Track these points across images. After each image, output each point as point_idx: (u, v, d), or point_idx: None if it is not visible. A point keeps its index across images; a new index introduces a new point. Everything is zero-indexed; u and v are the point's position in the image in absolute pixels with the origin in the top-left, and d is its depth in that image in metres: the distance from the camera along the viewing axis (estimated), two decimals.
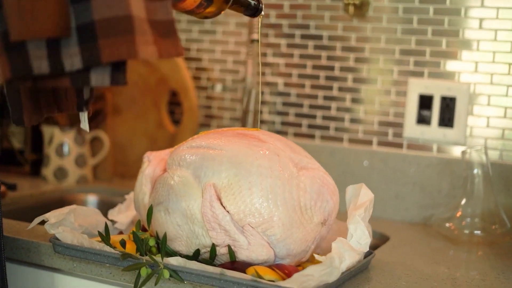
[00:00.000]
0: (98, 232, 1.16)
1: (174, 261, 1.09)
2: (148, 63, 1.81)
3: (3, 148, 1.96)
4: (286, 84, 1.74)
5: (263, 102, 1.76)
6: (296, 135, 1.73)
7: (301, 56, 1.72)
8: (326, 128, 1.70)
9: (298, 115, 1.73)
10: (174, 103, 1.87)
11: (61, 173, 1.82)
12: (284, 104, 1.75)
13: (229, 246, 1.10)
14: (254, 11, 1.17)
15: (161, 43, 0.96)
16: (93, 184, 1.85)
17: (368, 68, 1.66)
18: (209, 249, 1.12)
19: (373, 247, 1.49)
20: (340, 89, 1.69)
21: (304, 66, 1.72)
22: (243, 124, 1.60)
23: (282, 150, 1.17)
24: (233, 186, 1.11)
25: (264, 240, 1.10)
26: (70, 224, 1.24)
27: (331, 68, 1.69)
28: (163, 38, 0.97)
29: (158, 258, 1.10)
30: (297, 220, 1.12)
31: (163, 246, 1.11)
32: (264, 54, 1.76)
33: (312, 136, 1.72)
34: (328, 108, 1.70)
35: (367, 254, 1.24)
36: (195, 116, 1.79)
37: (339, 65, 1.68)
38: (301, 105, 1.73)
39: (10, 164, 1.93)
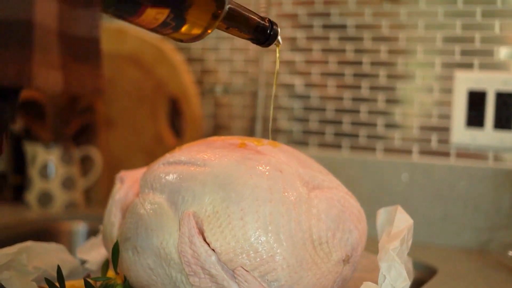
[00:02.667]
0: (45, 279, 0.88)
1: None
2: (141, 65, 1.53)
3: None
4: (306, 85, 1.45)
5: (279, 108, 1.47)
6: (320, 145, 1.43)
7: (323, 51, 1.43)
8: (356, 136, 1.41)
9: (321, 121, 1.44)
10: (177, 112, 1.59)
11: (46, 198, 1.55)
12: (305, 109, 1.45)
13: None
14: (263, 39, 0.84)
15: (73, 69, 0.65)
16: (84, 210, 1.57)
17: (404, 61, 1.36)
18: None
19: (417, 282, 1.19)
20: (371, 88, 1.39)
21: (326, 63, 1.43)
22: (251, 133, 1.31)
23: (286, 164, 0.87)
24: (220, 215, 0.82)
25: (263, 287, 0.81)
26: (21, 266, 0.96)
27: (359, 64, 1.40)
28: (78, 62, 0.66)
29: None
30: (308, 258, 0.82)
31: None
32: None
33: (339, 147, 1.42)
34: (357, 111, 1.40)
35: None
36: (199, 127, 1.51)
37: (368, 59, 1.39)
38: (324, 110, 1.43)
39: None
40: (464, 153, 1.32)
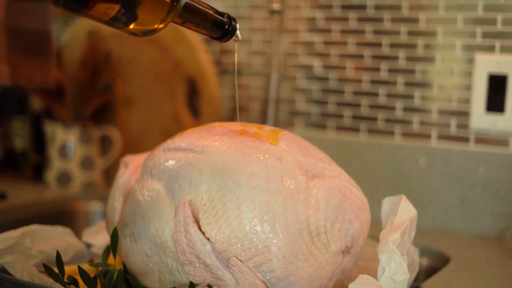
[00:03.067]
0: (43, 264, 0.88)
1: None
2: (159, 45, 1.52)
3: (7, 149, 1.71)
4: (324, 67, 1.42)
5: (297, 89, 1.45)
6: (338, 128, 1.41)
7: (342, 32, 1.40)
8: (374, 119, 1.38)
9: (339, 104, 1.41)
10: (195, 92, 1.57)
11: (64, 177, 1.56)
12: (323, 91, 1.43)
13: (209, 286, 0.80)
14: (221, 34, 0.83)
15: (21, 63, 0.64)
16: (102, 190, 1.58)
17: (424, 43, 1.32)
18: None
19: (428, 269, 1.18)
20: (390, 70, 1.36)
21: (345, 44, 1.40)
22: (263, 116, 1.29)
23: (286, 152, 0.86)
24: (215, 203, 0.81)
25: (257, 278, 0.80)
26: (25, 250, 0.96)
27: (378, 45, 1.36)
28: (27, 55, 0.65)
29: None
30: (305, 249, 0.81)
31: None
32: (297, 31, 1.44)
33: (356, 130, 1.39)
34: (376, 94, 1.38)
35: None
36: (216, 108, 1.49)
37: (388, 41, 1.36)
38: (342, 92, 1.41)
39: (14, 168, 1.69)
40: (484, 139, 1.29)
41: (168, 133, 1.53)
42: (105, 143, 1.61)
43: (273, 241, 0.79)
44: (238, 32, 0.84)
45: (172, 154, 0.88)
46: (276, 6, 1.25)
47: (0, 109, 1.70)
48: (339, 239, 0.84)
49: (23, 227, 0.98)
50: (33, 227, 1.00)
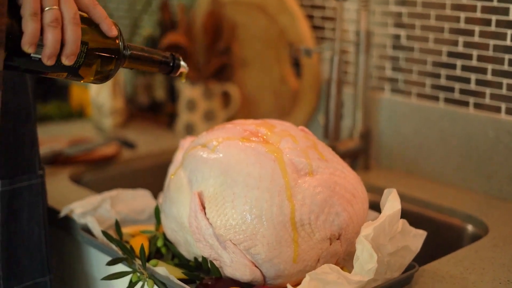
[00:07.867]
0: (102, 231, 1.12)
1: (160, 271, 1.01)
2: (267, 13, 1.68)
3: (151, 99, 1.99)
4: (408, 37, 1.51)
5: (386, 58, 1.55)
6: (420, 96, 1.51)
7: (424, 5, 1.47)
8: (451, 89, 1.46)
9: (421, 73, 1.50)
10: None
11: (190, 128, 1.80)
12: (408, 60, 1.52)
13: (211, 262, 1.01)
14: (168, 70, 1.02)
15: None
16: None
17: (497, 18, 1.36)
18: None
19: (471, 237, 1.28)
20: (466, 44, 1.42)
21: (427, 17, 1.47)
22: (327, 94, 1.42)
23: (284, 153, 1.01)
24: (217, 196, 1.00)
25: (247, 259, 0.98)
26: (105, 211, 1.22)
27: (457, 20, 1.42)
28: None
29: (152, 265, 1.05)
30: (287, 238, 0.98)
31: (142, 256, 1.03)
32: (387, 2, 1.53)
33: (436, 98, 1.48)
34: (453, 66, 1.45)
35: (410, 268, 1.05)
36: (315, 71, 1.64)
37: (465, 15, 1.41)
38: (424, 62, 1.49)
39: (156, 115, 1.97)
40: None
41: (277, 93, 1.72)
42: (226, 98, 1.82)
43: (260, 230, 0.97)
44: (183, 64, 1.04)
45: (198, 149, 1.07)
46: None
47: None
48: (324, 229, 0.99)
49: (105, 193, 1.23)
50: (115, 192, 1.24)
